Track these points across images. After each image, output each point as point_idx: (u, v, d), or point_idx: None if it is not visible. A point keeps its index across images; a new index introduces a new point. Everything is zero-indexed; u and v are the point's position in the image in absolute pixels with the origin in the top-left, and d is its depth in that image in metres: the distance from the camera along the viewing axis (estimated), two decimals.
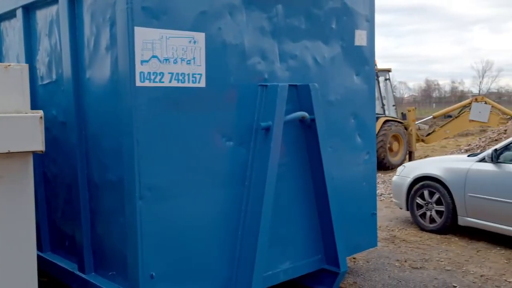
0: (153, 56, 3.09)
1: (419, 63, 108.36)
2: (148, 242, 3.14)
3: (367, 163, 4.62)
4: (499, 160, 5.38)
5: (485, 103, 14.00)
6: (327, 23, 4.14)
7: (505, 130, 11.67)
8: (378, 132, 13.19)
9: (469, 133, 22.56)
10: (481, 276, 4.62)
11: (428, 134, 15.20)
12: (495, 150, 5.43)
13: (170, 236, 3.25)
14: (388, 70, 14.23)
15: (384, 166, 12.85)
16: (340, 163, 4.33)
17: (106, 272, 3.56)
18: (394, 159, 13.32)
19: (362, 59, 4.48)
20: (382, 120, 13.41)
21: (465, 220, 5.71)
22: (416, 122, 16.26)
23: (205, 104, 3.37)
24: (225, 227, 3.55)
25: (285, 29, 3.84)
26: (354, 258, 5.15)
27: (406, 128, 14.01)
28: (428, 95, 69.35)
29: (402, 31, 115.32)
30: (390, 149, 13.50)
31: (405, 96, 71.64)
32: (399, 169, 6.81)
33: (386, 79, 14.11)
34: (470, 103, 14.25)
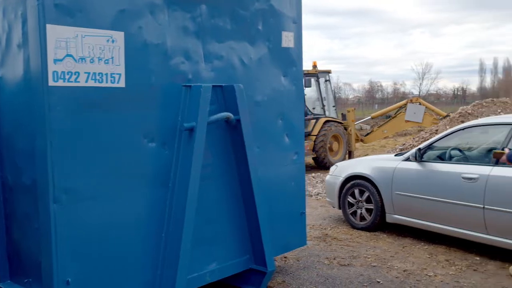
0: (68, 55, 2.99)
1: (364, 65, 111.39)
2: (64, 247, 3.04)
3: (295, 163, 4.69)
4: (423, 159, 5.61)
5: (420, 104, 14.58)
6: (254, 24, 4.17)
7: (437, 130, 12.20)
8: (319, 132, 13.45)
9: (407, 133, 23.40)
10: (404, 271, 4.79)
11: (367, 134, 15.65)
12: (419, 149, 5.65)
13: (89, 240, 3.16)
14: (328, 72, 14.52)
15: (325, 165, 13.11)
16: (268, 163, 4.37)
17: (22, 279, 3.42)
18: (334, 159, 13.60)
19: (290, 61, 4.54)
20: (322, 120, 13.68)
21: (392, 217, 5.91)
22: (356, 123, 16.73)
23: (125, 105, 3.30)
24: (148, 229, 3.50)
25: (210, 29, 3.83)
26: (285, 257, 5.22)
27: (345, 128, 14.35)
28: (372, 96, 71.34)
29: (347, 33, 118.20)
30: (330, 149, 13.79)
31: (350, 97, 73.53)
32: (332, 168, 6.96)
33: (326, 80, 14.38)
34: (405, 104, 14.79)
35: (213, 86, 3.78)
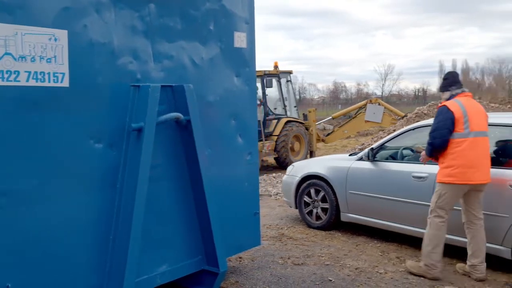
0: (6, 53, 2.90)
1: (328, 65, 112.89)
2: (3, 251, 2.94)
3: (249, 164, 4.70)
4: (375, 159, 5.72)
5: (379, 104, 14.87)
6: (205, 24, 4.15)
7: (394, 130, 12.47)
8: (280, 132, 13.54)
9: (369, 133, 23.82)
10: (356, 268, 4.87)
11: (328, 134, 15.85)
12: (372, 149, 5.76)
13: (30, 244, 3.06)
14: (290, 72, 14.63)
15: (286, 165, 13.15)
16: (220, 164, 4.36)
17: None
18: (296, 159, 13.70)
19: (242, 61, 4.54)
20: (284, 121, 13.78)
21: (346, 216, 6.00)
22: (318, 123, 16.93)
23: (69, 105, 3.22)
24: (95, 232, 3.42)
25: (159, 29, 3.78)
26: (240, 258, 5.22)
27: (307, 129, 14.50)
28: (336, 97, 72.38)
29: (312, 34, 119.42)
30: (292, 149, 13.91)
31: (315, 97, 74.42)
32: (289, 168, 7.02)
33: (287, 81, 14.50)
34: (365, 105, 15.06)
35: (162, 86, 3.74)
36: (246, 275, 4.74)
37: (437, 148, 4.49)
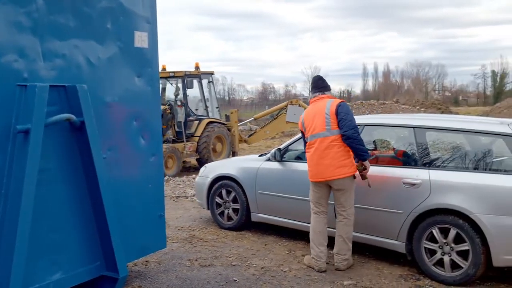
0: None
1: (257, 67, 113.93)
2: None
3: (152, 165, 4.62)
4: (283, 159, 5.83)
5: (299, 105, 15.20)
6: (101, 23, 4.02)
7: None
8: (202, 133, 13.49)
9: (293, 133, 24.30)
10: (262, 268, 4.94)
11: (251, 135, 15.98)
12: (279, 149, 5.87)
13: None
14: (211, 73, 14.61)
15: None
16: (121, 165, 4.25)
17: None
18: (218, 160, 13.70)
19: (144, 61, 4.45)
20: (205, 121, 13.74)
21: (256, 216, 6.07)
22: (241, 123, 17.03)
23: None
24: None
25: (49, 26, 3.61)
26: (146, 261, 5.12)
27: (229, 129, 14.53)
28: (265, 98, 73.25)
29: (241, 36, 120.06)
30: (214, 150, 13.90)
31: (244, 98, 74.94)
32: (201, 169, 6.99)
33: (209, 82, 14.46)
34: (286, 106, 15.33)
35: (55, 86, 3.59)
36: (151, 279, 4.65)
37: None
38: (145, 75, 4.48)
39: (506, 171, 4.42)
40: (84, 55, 3.90)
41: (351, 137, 4.65)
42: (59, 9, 3.68)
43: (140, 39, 4.40)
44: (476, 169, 4.56)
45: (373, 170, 4.92)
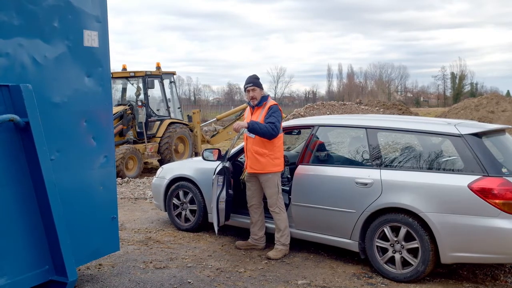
0: None
1: (223, 67, 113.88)
2: None
3: (104, 167, 4.53)
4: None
5: None
6: (48, 21, 3.92)
7: None
8: (163, 134, 13.34)
9: None
10: (217, 269, 4.92)
11: (213, 136, 15.91)
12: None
13: None
14: (173, 73, 14.47)
15: None
16: (70, 167, 4.16)
17: None
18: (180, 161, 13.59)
19: (94, 61, 4.36)
20: (167, 122, 13.59)
21: (211, 216, 6.04)
22: (203, 124, 16.94)
23: None
24: None
25: None
26: (100, 265, 5.02)
27: (191, 130, 14.43)
28: (231, 98, 73.23)
29: (207, 36, 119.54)
30: (176, 151, 13.76)
31: (210, 98, 74.73)
32: (158, 171, 6.91)
33: (171, 82, 14.32)
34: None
35: None
36: (103, 283, 4.56)
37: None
38: (95, 75, 4.39)
39: (452, 171, 4.54)
40: (29, 54, 3.80)
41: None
42: (1, 6, 3.57)
43: (90, 38, 4.31)
44: (425, 168, 4.67)
45: (327, 170, 4.97)
